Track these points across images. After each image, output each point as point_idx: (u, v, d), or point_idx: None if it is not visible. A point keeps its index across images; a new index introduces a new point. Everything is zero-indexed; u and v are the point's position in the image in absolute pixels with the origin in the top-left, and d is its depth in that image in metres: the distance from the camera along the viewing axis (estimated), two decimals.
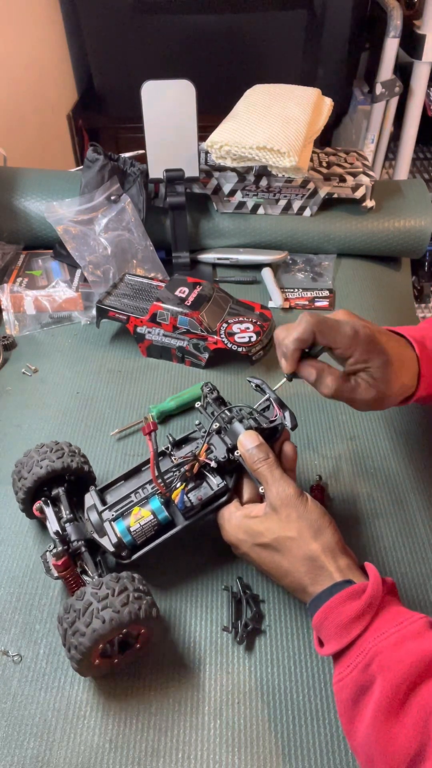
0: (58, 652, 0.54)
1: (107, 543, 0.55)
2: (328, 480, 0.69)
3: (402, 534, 0.64)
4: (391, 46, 1.66)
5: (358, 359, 0.57)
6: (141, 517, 0.55)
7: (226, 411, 0.59)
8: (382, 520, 0.65)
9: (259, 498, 0.56)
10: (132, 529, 0.55)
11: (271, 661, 0.54)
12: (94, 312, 0.86)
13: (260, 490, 0.54)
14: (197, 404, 0.64)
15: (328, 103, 1.06)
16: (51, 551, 0.54)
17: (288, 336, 0.57)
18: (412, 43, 1.65)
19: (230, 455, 0.57)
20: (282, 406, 0.58)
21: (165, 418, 0.76)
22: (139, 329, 0.83)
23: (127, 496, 0.57)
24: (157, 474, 0.54)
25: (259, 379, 0.62)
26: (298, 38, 1.76)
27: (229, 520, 0.55)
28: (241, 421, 0.58)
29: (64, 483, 0.60)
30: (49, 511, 0.57)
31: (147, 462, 0.60)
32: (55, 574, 0.53)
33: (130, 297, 0.86)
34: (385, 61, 1.68)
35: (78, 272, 0.96)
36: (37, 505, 0.58)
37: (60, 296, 0.92)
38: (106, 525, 0.55)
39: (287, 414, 0.57)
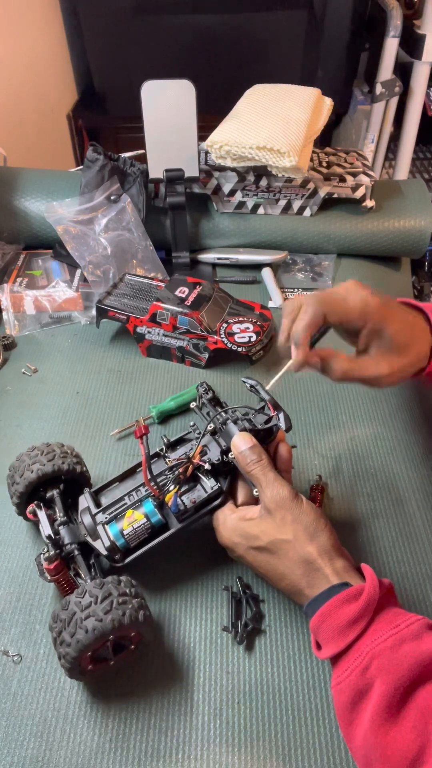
0: None
1: (100, 546, 0.54)
2: (328, 480, 0.69)
3: (402, 534, 0.64)
4: (391, 46, 1.66)
5: (371, 329, 0.56)
6: (134, 520, 0.55)
7: (221, 412, 0.58)
8: (382, 520, 0.65)
9: (254, 500, 0.56)
10: (125, 533, 0.54)
11: (270, 661, 0.54)
12: (94, 312, 0.86)
13: (254, 492, 0.54)
14: (192, 404, 0.63)
15: (328, 103, 1.06)
16: (44, 554, 0.54)
17: (298, 323, 0.56)
18: (412, 43, 1.64)
19: (224, 457, 0.56)
20: (276, 407, 0.57)
21: (165, 418, 0.76)
22: (139, 329, 0.83)
23: (121, 498, 0.57)
24: (149, 477, 0.54)
25: (253, 380, 0.60)
26: (298, 38, 1.76)
27: (223, 523, 0.55)
28: (235, 422, 0.57)
29: (60, 484, 0.60)
30: (41, 515, 0.57)
31: (141, 464, 0.60)
32: (49, 578, 0.53)
33: (130, 297, 0.86)
34: (385, 61, 1.68)
35: (78, 272, 0.96)
36: (30, 508, 0.58)
37: (60, 296, 0.92)
38: (99, 528, 0.55)
39: (281, 415, 0.56)
